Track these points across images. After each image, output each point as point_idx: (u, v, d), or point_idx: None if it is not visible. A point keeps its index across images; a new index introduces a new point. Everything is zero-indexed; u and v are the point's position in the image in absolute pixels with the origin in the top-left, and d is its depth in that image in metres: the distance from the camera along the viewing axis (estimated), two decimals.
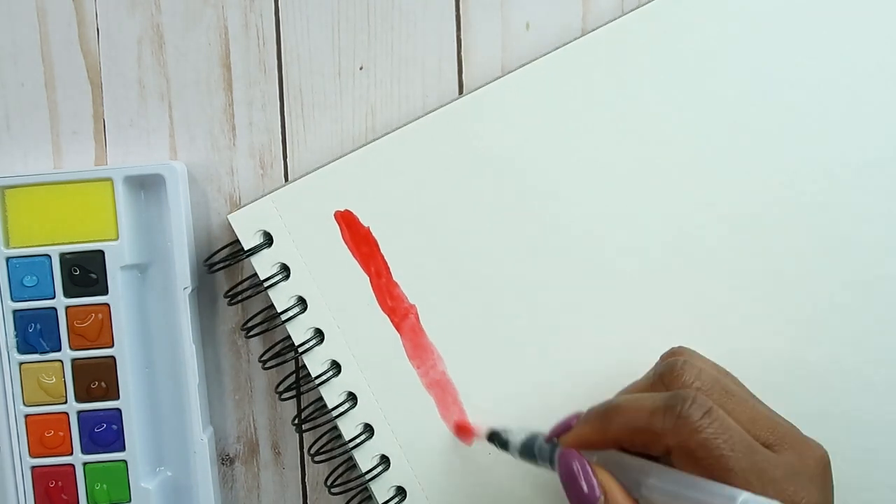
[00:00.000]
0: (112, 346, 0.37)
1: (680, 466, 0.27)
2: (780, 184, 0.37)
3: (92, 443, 0.37)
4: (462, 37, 0.38)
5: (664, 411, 0.27)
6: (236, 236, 0.37)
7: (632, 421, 0.28)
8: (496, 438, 0.35)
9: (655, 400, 0.28)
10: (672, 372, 0.29)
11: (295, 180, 0.37)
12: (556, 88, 0.37)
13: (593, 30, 0.37)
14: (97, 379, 0.37)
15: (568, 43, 0.37)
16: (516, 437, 0.34)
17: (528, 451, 0.33)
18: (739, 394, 0.29)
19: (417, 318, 0.37)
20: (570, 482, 0.29)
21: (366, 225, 0.37)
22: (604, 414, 0.29)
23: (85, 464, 0.37)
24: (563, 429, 0.31)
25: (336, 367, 0.37)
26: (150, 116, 0.38)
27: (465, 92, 0.38)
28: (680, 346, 0.32)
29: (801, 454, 0.27)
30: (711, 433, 0.26)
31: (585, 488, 0.28)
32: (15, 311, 0.37)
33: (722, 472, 0.26)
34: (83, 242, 0.36)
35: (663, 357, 0.32)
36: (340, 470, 0.38)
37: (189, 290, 0.37)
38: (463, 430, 0.37)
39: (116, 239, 0.36)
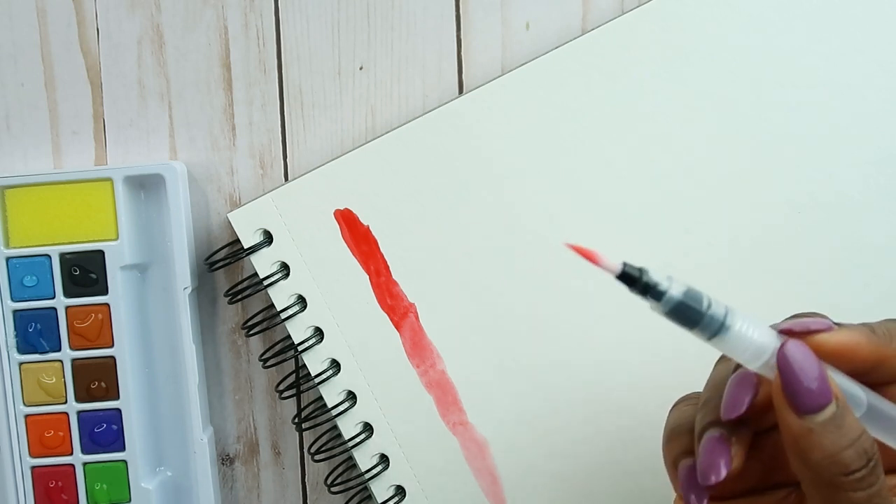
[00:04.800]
0: (112, 346, 0.37)
1: None
2: (780, 183, 0.37)
3: (92, 443, 0.37)
4: (462, 37, 0.38)
5: None
6: (236, 236, 0.37)
7: None
8: (637, 283, 0.25)
9: None
10: None
11: (295, 179, 0.37)
12: (556, 88, 0.37)
13: (593, 29, 0.37)
14: (97, 379, 0.37)
15: (568, 43, 0.37)
16: (670, 297, 0.24)
17: (681, 317, 0.24)
18: None
19: (417, 317, 0.37)
20: (797, 380, 0.24)
21: (365, 223, 0.37)
22: (883, 332, 0.25)
23: (85, 464, 0.37)
24: (804, 329, 0.25)
25: (335, 365, 0.37)
26: (150, 116, 0.38)
27: (465, 92, 0.38)
28: None
29: None
30: None
31: (821, 386, 0.24)
32: (15, 311, 0.37)
33: None
34: (83, 242, 0.36)
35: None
36: (340, 469, 0.38)
37: (189, 290, 0.37)
38: (586, 255, 0.26)
39: (116, 239, 0.36)
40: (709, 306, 0.24)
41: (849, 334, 0.25)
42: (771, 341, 0.25)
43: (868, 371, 0.25)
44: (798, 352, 0.24)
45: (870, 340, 0.25)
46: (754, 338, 0.25)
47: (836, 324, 0.25)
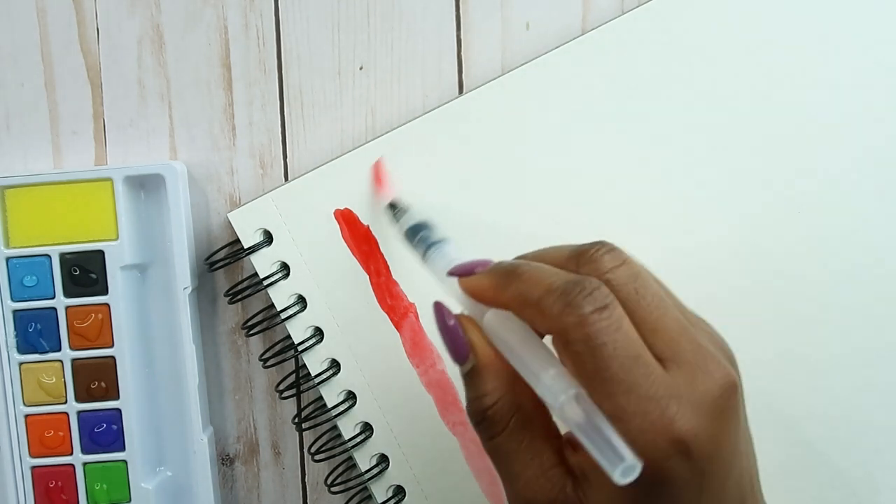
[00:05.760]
0: (112, 346, 0.37)
1: (557, 352, 0.25)
2: (779, 182, 0.37)
3: (92, 443, 0.37)
4: (462, 37, 0.38)
5: (559, 294, 0.25)
6: (236, 236, 0.37)
7: (526, 292, 0.26)
8: (391, 211, 0.35)
9: (556, 278, 0.26)
10: (589, 254, 0.27)
11: (295, 179, 0.37)
12: (556, 88, 0.37)
13: (593, 29, 0.37)
14: (97, 379, 0.37)
15: (568, 43, 0.37)
16: (407, 220, 0.34)
17: (410, 237, 0.33)
18: (651, 299, 0.26)
19: (417, 317, 0.37)
20: (443, 335, 0.28)
21: (365, 223, 0.37)
22: (504, 274, 0.27)
23: (85, 464, 0.37)
24: (466, 271, 0.29)
25: (335, 365, 0.37)
26: (150, 116, 0.38)
27: (465, 92, 0.38)
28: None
29: (694, 376, 0.24)
30: (596, 330, 0.24)
31: (456, 345, 0.28)
32: (15, 311, 0.37)
33: (594, 373, 0.24)
34: (83, 242, 0.36)
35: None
36: (340, 469, 0.38)
37: (189, 290, 0.37)
38: (378, 179, 0.36)
39: (116, 239, 0.36)
40: (421, 238, 0.32)
41: (476, 280, 0.28)
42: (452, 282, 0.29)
43: (514, 311, 0.27)
44: (439, 311, 0.29)
45: (491, 285, 0.27)
46: (440, 269, 0.30)
47: (496, 263, 0.28)
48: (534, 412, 0.27)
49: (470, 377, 0.27)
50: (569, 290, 0.25)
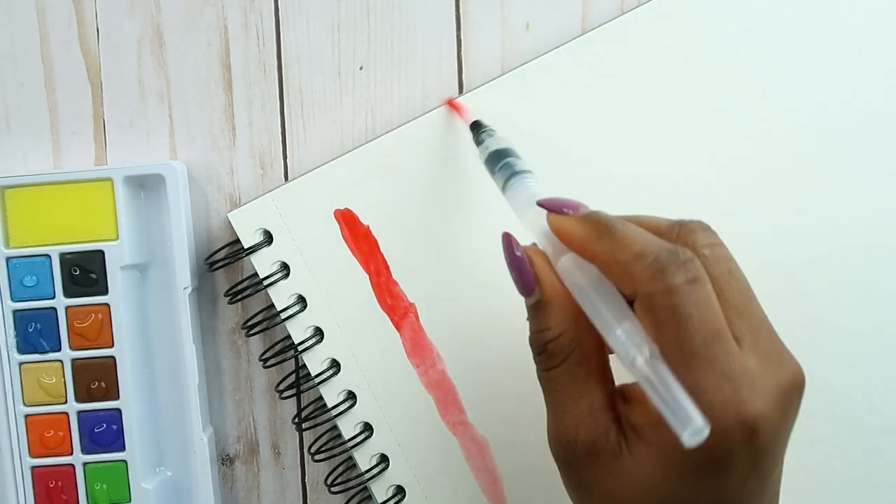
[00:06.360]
0: (112, 346, 0.37)
1: (638, 316, 0.25)
2: (779, 183, 0.37)
3: (92, 443, 0.37)
4: (462, 37, 0.38)
5: (652, 259, 0.25)
6: (236, 236, 0.37)
7: (618, 251, 0.26)
8: (475, 131, 0.34)
9: (650, 244, 0.25)
10: (688, 228, 0.27)
11: (295, 179, 0.37)
12: (556, 88, 0.37)
13: (593, 29, 0.37)
14: (97, 379, 0.37)
15: (568, 43, 0.37)
16: (492, 143, 0.33)
17: (493, 161, 0.32)
18: (741, 283, 0.26)
19: (417, 317, 0.37)
20: (510, 266, 0.29)
21: (365, 223, 0.37)
22: (598, 227, 0.27)
23: (85, 464, 0.37)
24: (556, 206, 0.29)
25: (336, 365, 0.37)
26: (150, 116, 0.38)
27: (465, 92, 0.38)
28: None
29: (769, 365, 0.25)
30: (684, 302, 0.24)
31: (522, 277, 0.28)
32: (15, 311, 0.37)
33: (675, 342, 0.24)
34: (83, 242, 0.36)
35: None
36: (340, 469, 0.38)
37: (189, 289, 0.37)
38: (454, 107, 0.36)
39: (116, 239, 0.36)
40: (505, 164, 0.31)
41: (567, 222, 0.28)
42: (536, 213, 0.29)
43: (598, 264, 0.27)
44: (507, 242, 0.29)
45: (582, 231, 0.27)
46: (522, 201, 0.30)
47: (591, 211, 0.28)
48: (592, 352, 0.27)
49: (535, 310, 0.28)
50: (662, 258, 0.25)
